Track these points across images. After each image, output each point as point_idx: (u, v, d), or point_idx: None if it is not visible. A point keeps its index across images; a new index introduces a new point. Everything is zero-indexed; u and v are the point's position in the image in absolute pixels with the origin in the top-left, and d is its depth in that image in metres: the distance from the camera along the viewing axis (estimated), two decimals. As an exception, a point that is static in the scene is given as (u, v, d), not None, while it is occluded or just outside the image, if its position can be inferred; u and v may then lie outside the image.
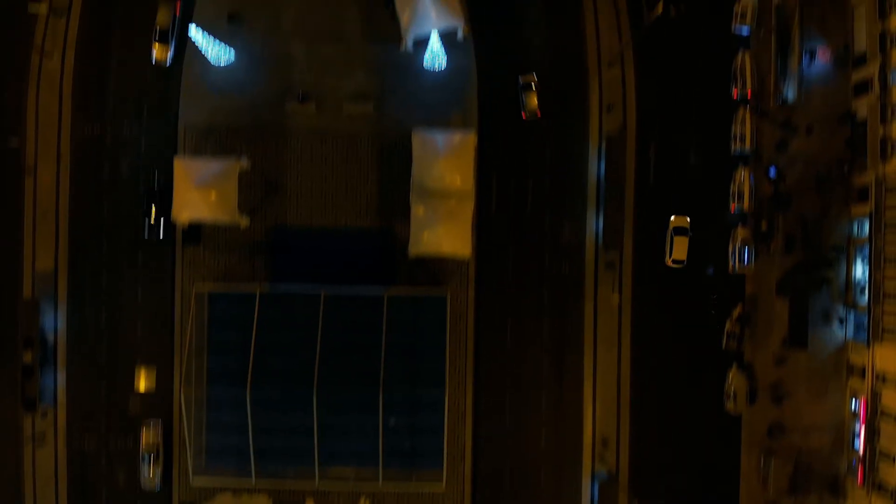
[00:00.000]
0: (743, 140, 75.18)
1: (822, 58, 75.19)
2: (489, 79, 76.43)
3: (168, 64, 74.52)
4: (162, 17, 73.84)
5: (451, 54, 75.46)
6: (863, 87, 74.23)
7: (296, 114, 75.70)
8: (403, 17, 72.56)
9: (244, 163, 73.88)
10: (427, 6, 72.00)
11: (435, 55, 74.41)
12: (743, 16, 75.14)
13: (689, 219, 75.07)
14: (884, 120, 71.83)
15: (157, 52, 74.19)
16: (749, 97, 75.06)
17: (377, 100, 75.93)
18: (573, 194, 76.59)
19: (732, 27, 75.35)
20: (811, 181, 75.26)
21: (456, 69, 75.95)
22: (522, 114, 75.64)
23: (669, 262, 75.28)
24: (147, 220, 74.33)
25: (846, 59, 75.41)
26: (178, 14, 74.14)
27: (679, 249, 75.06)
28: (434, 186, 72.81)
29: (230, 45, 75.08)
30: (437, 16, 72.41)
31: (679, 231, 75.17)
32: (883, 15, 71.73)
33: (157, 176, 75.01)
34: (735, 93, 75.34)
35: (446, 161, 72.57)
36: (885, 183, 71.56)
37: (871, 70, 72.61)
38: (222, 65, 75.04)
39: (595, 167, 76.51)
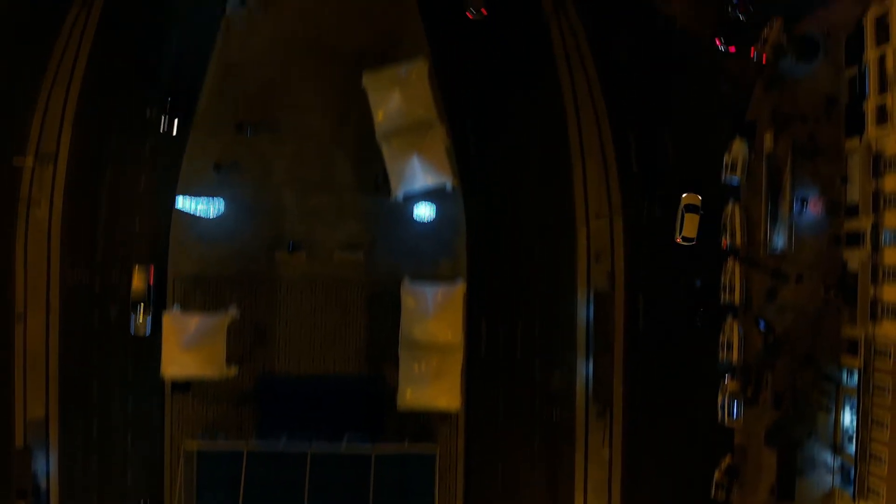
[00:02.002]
0: (732, 291, 75.06)
1: (814, 209, 74.75)
2: (478, 227, 76.30)
3: (148, 334, 74.54)
4: (137, 285, 73.87)
5: (441, 204, 75.38)
6: (854, 238, 73.92)
7: (285, 263, 75.72)
8: (394, 180, 72.62)
9: (233, 312, 73.96)
10: (416, 168, 72.07)
11: (424, 214, 74.71)
12: (733, 167, 74.78)
13: (700, 197, 74.75)
14: (875, 281, 71.68)
15: (135, 324, 74.50)
16: (738, 248, 74.95)
17: (367, 248, 75.87)
18: (563, 340, 76.59)
19: (722, 177, 75.16)
20: (801, 330, 75.22)
21: (445, 218, 75.77)
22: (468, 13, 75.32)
23: (679, 240, 75.04)
24: None
25: (839, 205, 75.24)
26: (152, 283, 73.98)
27: (689, 227, 74.72)
28: (423, 340, 72.73)
29: (220, 195, 75.01)
30: (427, 176, 72.50)
31: (690, 208, 74.82)
32: (877, 173, 71.42)
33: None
34: (724, 243, 75.27)
35: (435, 316, 72.45)
36: (874, 344, 71.45)
37: (864, 224, 72.24)
38: (212, 217, 75.02)
39: (584, 313, 76.49)
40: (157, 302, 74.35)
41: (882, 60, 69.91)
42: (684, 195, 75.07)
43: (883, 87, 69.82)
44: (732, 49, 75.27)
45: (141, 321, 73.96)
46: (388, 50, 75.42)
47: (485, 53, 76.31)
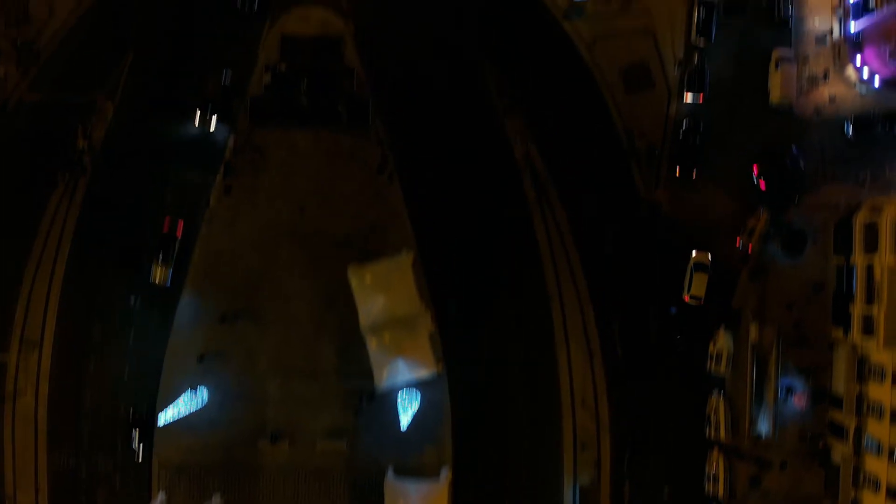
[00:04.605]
0: (716, 481, 75.02)
1: (798, 403, 74.39)
2: (463, 413, 76.06)
3: None
4: None
5: (425, 390, 75.25)
6: (838, 430, 73.59)
7: (268, 452, 75.85)
8: (377, 372, 72.84)
9: (217, 502, 74.53)
10: (400, 366, 72.24)
11: (406, 422, 74.74)
12: (717, 359, 74.40)
13: (710, 255, 74.47)
14: (856, 484, 71.60)
15: None
16: (722, 439, 74.80)
17: (351, 436, 75.82)
18: (550, 527, 77.05)
19: (707, 368, 74.84)
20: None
21: (429, 404, 75.59)
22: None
23: (686, 299, 74.69)
24: None
25: (824, 393, 75.00)
26: None
27: (698, 286, 74.36)
28: (407, 542, 73.33)
29: (203, 384, 75.10)
30: (411, 371, 72.69)
31: (699, 267, 74.49)
32: (861, 377, 70.96)
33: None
34: (709, 432, 75.17)
35: (419, 520, 72.87)
36: (856, 543, 71.77)
37: (847, 423, 71.89)
38: (196, 407, 75.20)
39: (570, 502, 76.44)
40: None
41: (870, 269, 69.31)
42: (694, 253, 74.67)
43: (870, 298, 69.14)
44: (763, 185, 74.57)
45: None
46: (374, 237, 75.35)
47: (470, 241, 76.00)
